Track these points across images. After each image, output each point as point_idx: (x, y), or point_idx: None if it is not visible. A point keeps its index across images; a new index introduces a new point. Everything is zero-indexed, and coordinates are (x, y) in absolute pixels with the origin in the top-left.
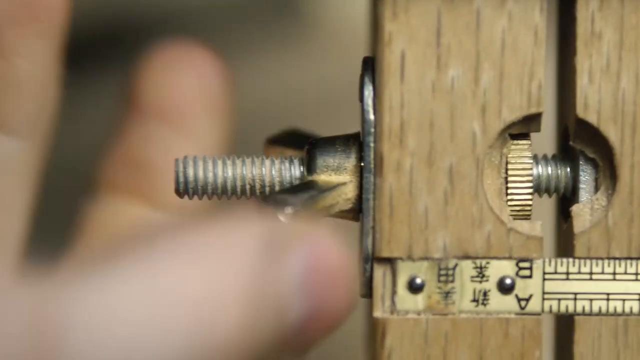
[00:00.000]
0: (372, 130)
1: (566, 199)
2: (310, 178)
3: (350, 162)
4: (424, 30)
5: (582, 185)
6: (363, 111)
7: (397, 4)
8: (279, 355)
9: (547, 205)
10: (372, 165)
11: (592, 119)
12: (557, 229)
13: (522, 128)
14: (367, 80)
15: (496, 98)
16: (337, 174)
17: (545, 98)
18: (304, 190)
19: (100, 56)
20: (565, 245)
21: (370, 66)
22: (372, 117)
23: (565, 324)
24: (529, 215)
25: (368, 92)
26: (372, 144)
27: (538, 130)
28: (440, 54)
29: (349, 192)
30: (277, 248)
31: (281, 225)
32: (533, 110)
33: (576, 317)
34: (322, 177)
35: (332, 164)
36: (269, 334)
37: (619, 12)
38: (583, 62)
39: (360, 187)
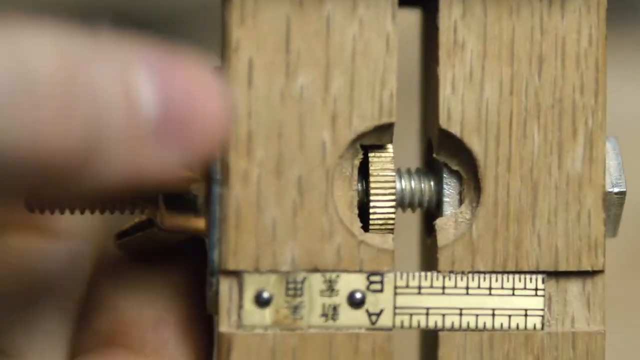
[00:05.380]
0: None
1: (430, 213)
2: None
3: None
4: (273, 37)
5: (446, 199)
6: None
7: (244, 9)
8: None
9: (414, 219)
10: (218, 176)
11: (455, 129)
12: (421, 243)
13: (374, 139)
14: None
15: (347, 107)
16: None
17: (397, 108)
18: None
19: None
20: (429, 260)
21: (219, 75)
22: None
23: (430, 340)
24: (392, 228)
25: None
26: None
27: (390, 141)
28: (290, 61)
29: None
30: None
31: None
32: (385, 120)
33: (440, 333)
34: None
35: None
36: (110, 130)
37: (482, 22)
38: (446, 72)
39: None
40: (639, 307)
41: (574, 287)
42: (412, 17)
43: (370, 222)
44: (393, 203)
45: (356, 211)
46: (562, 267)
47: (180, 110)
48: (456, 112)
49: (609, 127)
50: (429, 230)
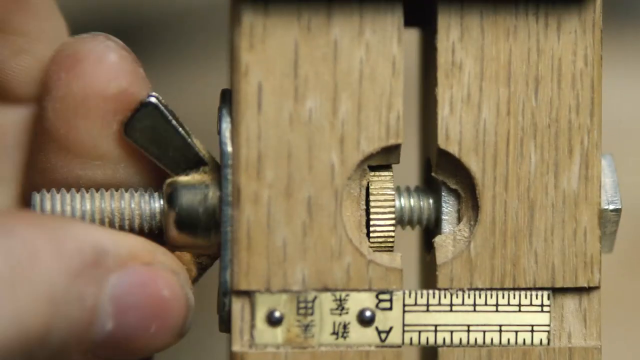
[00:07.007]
0: (230, 162)
1: (429, 231)
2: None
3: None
4: (281, 62)
5: (444, 217)
6: (221, 143)
7: (254, 35)
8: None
9: (412, 237)
10: (230, 198)
11: (453, 149)
12: (421, 260)
13: (381, 160)
14: (224, 112)
15: (354, 129)
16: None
17: (404, 129)
18: None
19: None
20: (428, 277)
21: (228, 98)
22: (229, 149)
23: (430, 356)
24: (391, 247)
25: (226, 124)
26: (229, 177)
27: (397, 161)
28: (298, 85)
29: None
30: (106, 263)
31: (119, 245)
32: (392, 141)
33: (439, 349)
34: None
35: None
36: (69, 331)
37: (479, 43)
38: (444, 93)
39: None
40: (638, 308)
41: (570, 303)
42: (410, 37)
43: (370, 240)
44: (392, 222)
45: (364, 230)
46: (559, 284)
47: (132, 330)
48: (454, 132)
49: (607, 128)
50: (428, 247)
